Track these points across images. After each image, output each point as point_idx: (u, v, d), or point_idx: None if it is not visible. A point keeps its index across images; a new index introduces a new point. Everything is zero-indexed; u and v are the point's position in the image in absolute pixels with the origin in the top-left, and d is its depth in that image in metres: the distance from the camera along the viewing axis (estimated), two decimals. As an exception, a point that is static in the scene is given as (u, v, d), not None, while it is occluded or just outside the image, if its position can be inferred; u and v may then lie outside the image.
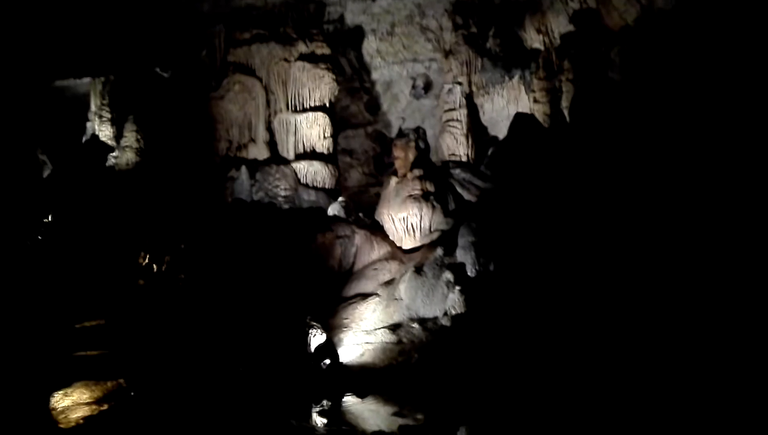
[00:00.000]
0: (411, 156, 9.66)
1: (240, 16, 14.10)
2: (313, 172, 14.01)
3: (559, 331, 7.05)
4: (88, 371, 7.65)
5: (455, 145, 13.69)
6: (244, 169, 13.47)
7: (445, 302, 7.98)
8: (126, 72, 16.77)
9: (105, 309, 9.18)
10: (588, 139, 10.46)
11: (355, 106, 18.13)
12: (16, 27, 13.22)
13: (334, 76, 14.33)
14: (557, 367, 6.78)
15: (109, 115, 16.48)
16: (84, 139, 16.68)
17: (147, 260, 9.89)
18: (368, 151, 18.72)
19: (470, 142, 13.74)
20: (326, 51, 14.33)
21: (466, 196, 9.93)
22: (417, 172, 9.42)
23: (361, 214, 12.72)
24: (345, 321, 8.42)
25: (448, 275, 8.12)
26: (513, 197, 8.79)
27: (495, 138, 14.69)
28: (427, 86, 16.96)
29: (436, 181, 9.56)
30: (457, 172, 10.09)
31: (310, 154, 14.30)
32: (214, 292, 8.46)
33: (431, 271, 8.38)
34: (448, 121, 13.81)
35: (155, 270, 9.43)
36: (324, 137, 14.33)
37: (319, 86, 14.22)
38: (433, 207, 9.39)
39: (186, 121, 14.96)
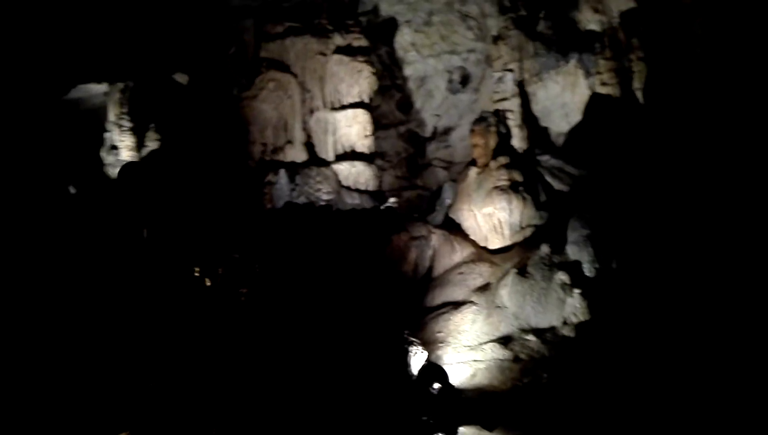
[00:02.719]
0: (492, 143, 8.24)
1: (271, 8, 12.73)
2: (356, 173, 12.60)
3: (713, 336, 5.66)
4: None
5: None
6: (282, 172, 12.05)
7: (562, 309, 6.55)
8: (145, 77, 15.36)
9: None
10: (679, 118, 9.10)
11: (386, 106, 16.72)
12: (20, 32, 11.80)
13: (373, 70, 12.96)
14: (716, 382, 5.38)
15: (129, 125, 15.03)
16: (102, 150, 15.24)
17: (198, 274, 8.46)
18: (401, 152, 17.32)
19: (525, 134, 12.35)
20: (364, 43, 12.96)
21: (557, 185, 8.52)
22: (502, 159, 8.00)
23: (416, 215, 11.35)
24: (439, 335, 6.97)
25: (561, 276, 6.69)
26: (620, 185, 7.41)
27: (546, 129, 13.32)
28: (465, 80, 15.59)
29: (523, 170, 8.15)
30: (545, 158, 8.68)
31: (351, 155, 12.92)
32: (281, 306, 7.04)
33: (538, 272, 6.94)
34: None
35: (208, 284, 8.00)
36: (365, 136, 12.94)
37: (358, 81, 12.84)
38: (524, 199, 7.97)
39: (214, 125, 13.56)
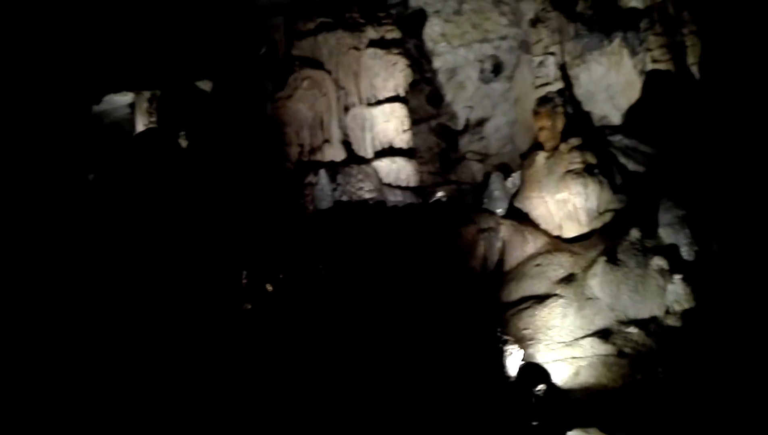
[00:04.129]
0: (560, 124, 7.71)
1: (301, 4, 12.27)
2: (397, 169, 12.10)
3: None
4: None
5: (553, 124, 11.76)
6: (323, 172, 11.56)
7: (663, 297, 6.01)
8: (170, 85, 14.97)
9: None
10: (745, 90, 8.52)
11: (415, 100, 16.16)
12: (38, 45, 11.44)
13: (407, 62, 12.48)
14: None
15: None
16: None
17: (248, 280, 7.99)
18: (433, 147, 16.79)
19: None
20: (397, 35, 12.49)
21: (631, 166, 7.98)
22: (574, 141, 7.46)
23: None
24: (526, 332, 6.44)
25: (659, 262, 6.15)
26: (707, 162, 6.86)
27: (588, 113, 12.73)
28: (497, 68, 15.05)
29: (595, 151, 7.62)
30: (617, 138, 8.13)
31: (389, 151, 12.43)
32: (354, 306, 6.54)
33: (631, 259, 6.40)
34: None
35: (270, 289, 7.52)
36: (403, 131, 12.44)
37: (393, 74, 12.34)
38: (600, 182, 7.44)
39: (247, 129, 13.12)
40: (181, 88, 15.04)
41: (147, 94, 15.06)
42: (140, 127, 14.98)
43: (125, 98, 15.30)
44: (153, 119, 15.04)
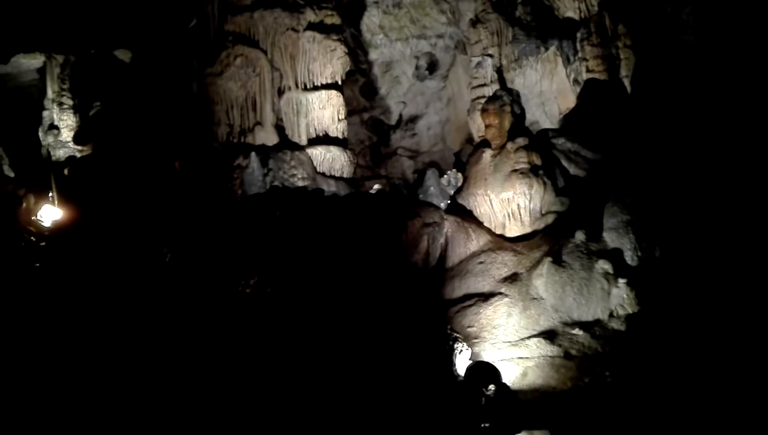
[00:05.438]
0: (507, 123, 7.57)
1: (237, -22, 11.51)
2: (331, 158, 11.67)
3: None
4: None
5: (488, 125, 11.73)
6: (254, 156, 10.92)
7: (607, 300, 5.97)
8: (85, 50, 13.75)
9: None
10: (669, 107, 8.80)
11: (349, 91, 15.78)
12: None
13: (346, 49, 12.05)
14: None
15: (71, 102, 13.40)
16: (40, 130, 13.54)
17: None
18: (364, 140, 16.48)
19: (506, 121, 11.82)
20: (336, 21, 12.03)
21: (573, 170, 7.98)
22: (521, 141, 7.34)
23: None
24: (471, 330, 6.22)
25: (604, 265, 6.11)
26: (652, 169, 6.94)
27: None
28: (432, 66, 14.91)
29: (540, 152, 7.55)
30: (560, 141, 8.09)
31: (324, 139, 11.97)
32: (299, 299, 6.06)
33: (576, 261, 6.33)
34: (478, 98, 11.86)
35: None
36: (338, 119, 12.02)
37: (331, 61, 11.88)
38: (544, 183, 7.37)
39: (169, 105, 12.20)
40: (97, 56, 13.84)
41: (60, 58, 13.74)
42: (50, 94, 13.66)
43: (35, 61, 13.89)
44: (65, 86, 13.75)
